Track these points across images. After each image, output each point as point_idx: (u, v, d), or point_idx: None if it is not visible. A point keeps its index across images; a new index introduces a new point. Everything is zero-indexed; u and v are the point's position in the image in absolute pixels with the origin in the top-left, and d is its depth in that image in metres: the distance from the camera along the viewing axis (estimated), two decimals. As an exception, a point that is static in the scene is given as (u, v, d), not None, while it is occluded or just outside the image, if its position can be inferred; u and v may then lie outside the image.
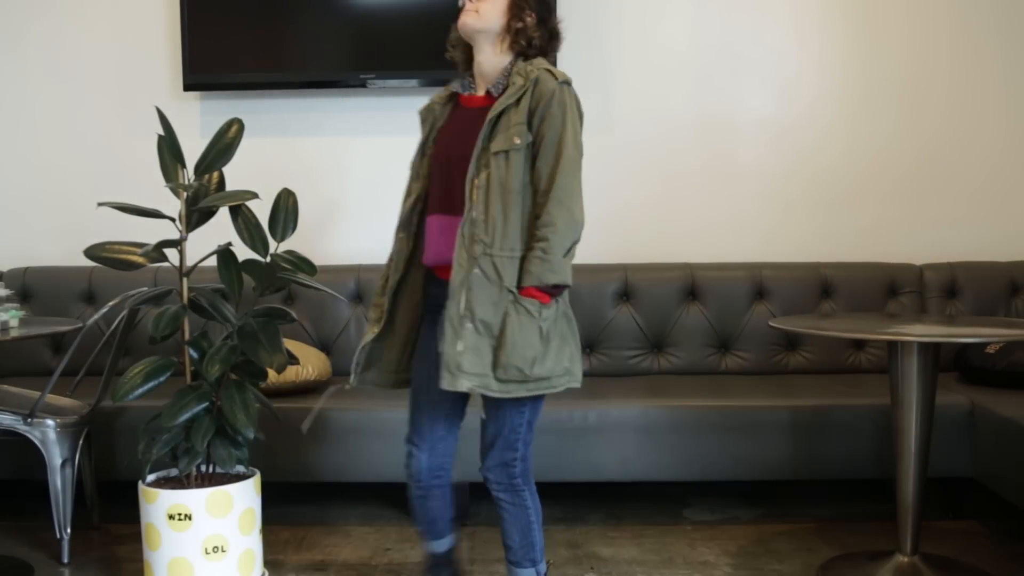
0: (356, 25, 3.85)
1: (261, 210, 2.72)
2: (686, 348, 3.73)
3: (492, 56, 2.24)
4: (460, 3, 2.24)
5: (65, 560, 2.98)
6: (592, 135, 3.93)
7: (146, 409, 2.96)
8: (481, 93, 2.26)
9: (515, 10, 2.20)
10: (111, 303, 2.99)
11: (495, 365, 2.10)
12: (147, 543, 2.65)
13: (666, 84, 3.92)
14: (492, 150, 2.11)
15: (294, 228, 2.75)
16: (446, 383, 2.11)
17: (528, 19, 2.22)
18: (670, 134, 3.93)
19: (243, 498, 2.66)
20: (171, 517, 2.58)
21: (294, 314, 2.79)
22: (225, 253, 2.67)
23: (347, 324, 3.76)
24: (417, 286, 2.30)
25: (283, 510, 3.37)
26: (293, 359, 2.70)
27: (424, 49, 3.82)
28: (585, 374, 3.65)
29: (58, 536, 2.96)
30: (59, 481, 2.94)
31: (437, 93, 2.34)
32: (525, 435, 2.27)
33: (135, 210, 2.66)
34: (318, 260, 2.75)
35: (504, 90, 2.17)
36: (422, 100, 3.86)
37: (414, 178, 2.30)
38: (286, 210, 2.74)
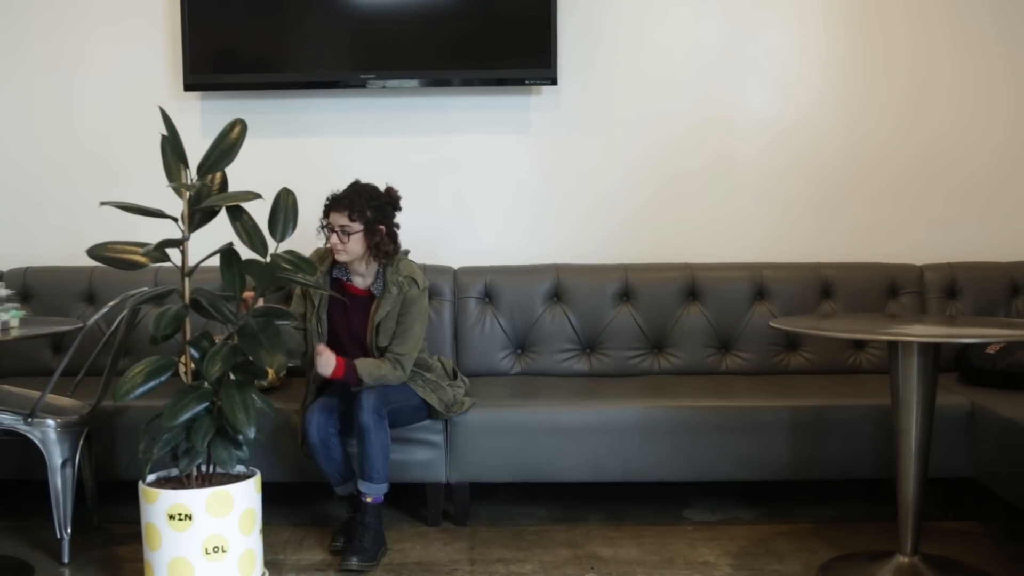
0: (357, 25, 3.85)
1: (261, 211, 2.72)
2: (686, 348, 3.72)
3: (364, 267, 3.07)
4: (328, 244, 3.03)
5: (65, 560, 2.97)
6: (592, 136, 3.97)
7: (146, 409, 2.95)
8: (362, 287, 3.09)
9: (369, 236, 3.00)
10: (112, 303, 2.99)
11: None
12: (147, 543, 2.64)
13: (667, 85, 3.92)
14: (379, 344, 3.07)
15: (294, 228, 2.73)
16: None
17: (380, 234, 3.01)
18: (670, 134, 3.93)
19: (244, 498, 2.65)
20: (171, 517, 2.57)
21: (294, 313, 2.79)
22: (227, 253, 2.66)
23: (347, 324, 3.75)
24: None
25: (283, 510, 3.37)
26: (294, 358, 2.70)
27: (424, 49, 3.82)
28: (585, 374, 3.70)
29: (58, 536, 2.95)
30: (59, 481, 2.93)
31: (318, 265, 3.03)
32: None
33: (138, 209, 2.64)
34: (319, 260, 2.74)
35: (383, 289, 3.05)
36: (422, 100, 3.93)
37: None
38: (286, 209, 2.73)
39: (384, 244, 3.02)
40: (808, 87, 3.93)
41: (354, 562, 2.91)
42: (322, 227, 3.05)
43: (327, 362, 2.96)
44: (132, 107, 3.92)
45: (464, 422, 3.24)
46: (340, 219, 2.99)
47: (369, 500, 2.97)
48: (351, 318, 3.09)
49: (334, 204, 3.02)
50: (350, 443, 3.06)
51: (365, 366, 3.00)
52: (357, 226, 2.98)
